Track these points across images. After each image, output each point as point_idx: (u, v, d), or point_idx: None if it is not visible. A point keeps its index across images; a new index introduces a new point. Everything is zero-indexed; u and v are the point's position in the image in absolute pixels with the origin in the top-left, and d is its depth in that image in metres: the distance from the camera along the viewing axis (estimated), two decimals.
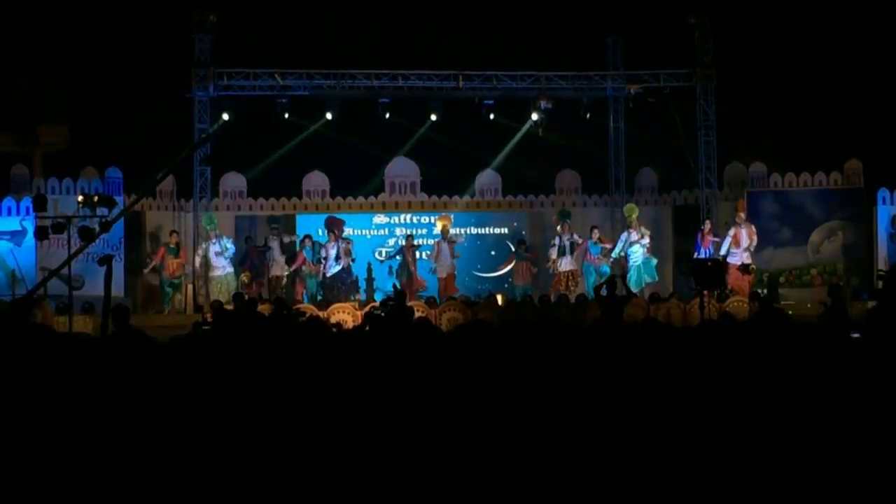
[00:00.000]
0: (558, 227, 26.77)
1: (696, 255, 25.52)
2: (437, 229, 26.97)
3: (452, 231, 26.84)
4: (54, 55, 26.13)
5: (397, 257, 26.94)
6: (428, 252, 27.09)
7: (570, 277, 26.34)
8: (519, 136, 28.44)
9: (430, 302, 23.45)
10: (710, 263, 21.12)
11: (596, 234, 26.50)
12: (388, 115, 27.29)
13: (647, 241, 26.07)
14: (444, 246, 26.29)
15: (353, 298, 24.69)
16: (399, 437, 5.54)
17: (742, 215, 25.92)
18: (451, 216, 27.39)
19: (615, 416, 5.76)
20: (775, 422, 5.69)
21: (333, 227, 25.97)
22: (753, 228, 25.72)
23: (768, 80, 27.14)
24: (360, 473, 5.32)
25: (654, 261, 26.23)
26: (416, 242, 26.60)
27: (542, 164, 29.17)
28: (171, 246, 25.51)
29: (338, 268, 25.51)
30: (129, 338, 8.08)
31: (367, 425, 5.63)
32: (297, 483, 5.34)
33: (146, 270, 26.14)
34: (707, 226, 25.77)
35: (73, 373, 6.38)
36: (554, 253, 26.53)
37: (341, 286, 25.29)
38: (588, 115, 28.21)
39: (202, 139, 26.15)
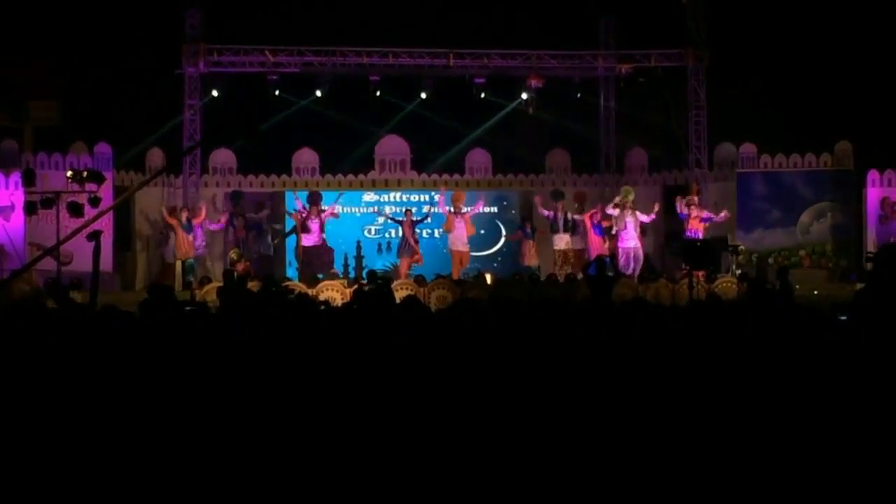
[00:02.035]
0: (554, 205, 26.80)
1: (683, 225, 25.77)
2: (452, 202, 26.73)
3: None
4: (45, 31, 26.00)
5: (391, 226, 27.07)
6: (439, 229, 27.12)
7: (564, 257, 26.35)
8: (506, 111, 28.40)
9: (419, 280, 23.42)
10: (699, 244, 21.14)
11: (597, 217, 26.53)
12: (378, 93, 27.28)
13: (644, 217, 26.02)
14: (458, 220, 26.22)
15: (329, 273, 24.61)
16: (387, 414, 5.54)
17: (695, 199, 25.95)
18: (465, 193, 27.24)
19: (603, 393, 5.77)
20: (763, 401, 5.70)
21: (317, 201, 25.82)
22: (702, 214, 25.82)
23: (760, 60, 27.11)
24: (344, 452, 5.32)
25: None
26: (415, 218, 26.44)
27: (533, 143, 29.14)
28: (184, 222, 25.38)
29: (313, 241, 25.35)
30: (74, 313, 8.01)
31: (354, 401, 5.63)
32: (280, 462, 5.33)
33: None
34: (693, 210, 25.68)
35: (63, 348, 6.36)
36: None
37: (317, 260, 25.14)
38: (579, 95, 28.29)
39: (191, 147, 26.21)
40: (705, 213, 25.59)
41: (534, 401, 5.62)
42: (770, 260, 26.92)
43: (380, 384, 5.75)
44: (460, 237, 26.09)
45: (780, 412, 5.58)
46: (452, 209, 26.28)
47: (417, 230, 26.43)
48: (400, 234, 26.71)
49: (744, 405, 5.67)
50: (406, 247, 25.99)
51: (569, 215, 26.71)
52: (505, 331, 6.27)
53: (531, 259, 27.00)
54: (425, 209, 27.20)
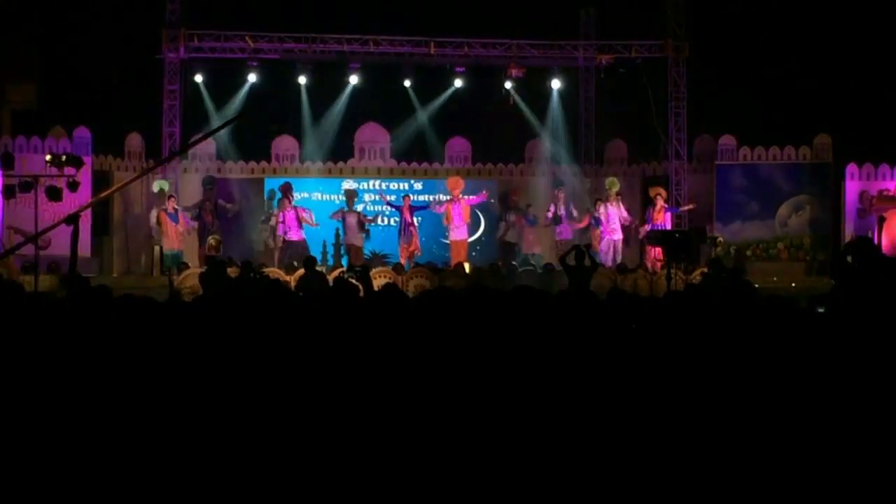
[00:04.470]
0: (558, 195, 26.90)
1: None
2: (449, 189, 26.69)
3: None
4: (23, 13, 25.87)
5: (369, 214, 26.95)
6: (419, 218, 26.99)
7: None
8: (486, 100, 28.37)
9: (398, 268, 23.42)
10: (677, 235, 21.18)
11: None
12: (358, 80, 27.27)
13: (625, 214, 26.09)
14: (455, 207, 26.14)
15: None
16: (361, 404, 5.54)
17: (661, 190, 26.19)
18: (463, 179, 27.07)
19: (579, 382, 5.77)
20: (740, 392, 5.72)
21: (289, 192, 25.60)
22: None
23: (740, 52, 27.12)
24: (317, 441, 5.32)
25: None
26: (413, 204, 26.21)
27: (513, 132, 29.09)
28: (170, 212, 25.17)
29: (297, 236, 25.15)
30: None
31: (328, 391, 5.62)
32: (252, 452, 5.32)
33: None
34: (659, 202, 25.80)
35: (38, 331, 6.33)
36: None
37: (294, 254, 24.91)
38: (559, 85, 28.31)
39: (170, 156, 26.15)
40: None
41: (506, 390, 5.63)
42: (748, 252, 27.02)
43: (352, 373, 5.74)
44: (456, 226, 26.02)
45: (758, 404, 5.59)
46: (450, 196, 26.22)
47: (417, 217, 26.34)
48: (395, 221, 26.69)
49: (720, 397, 5.68)
50: (405, 232, 25.77)
51: (570, 206, 26.74)
52: (478, 319, 6.27)
53: (535, 247, 27.02)
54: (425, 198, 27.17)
